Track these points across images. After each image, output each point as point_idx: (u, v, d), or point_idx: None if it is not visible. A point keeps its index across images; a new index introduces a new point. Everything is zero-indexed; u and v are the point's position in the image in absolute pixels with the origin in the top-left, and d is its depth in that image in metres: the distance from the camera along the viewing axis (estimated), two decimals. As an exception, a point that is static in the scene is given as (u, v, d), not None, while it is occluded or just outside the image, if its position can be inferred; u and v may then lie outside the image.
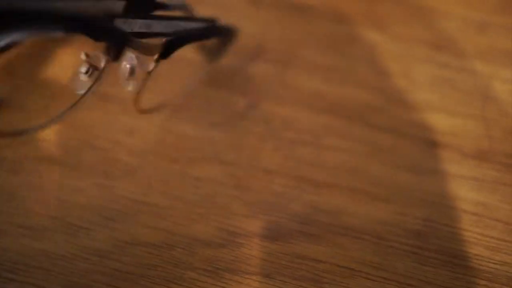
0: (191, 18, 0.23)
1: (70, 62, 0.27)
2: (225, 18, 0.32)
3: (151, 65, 0.21)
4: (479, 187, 0.25)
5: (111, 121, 0.27)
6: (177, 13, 0.23)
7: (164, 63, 0.21)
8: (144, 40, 0.19)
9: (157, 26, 0.20)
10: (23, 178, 0.24)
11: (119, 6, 0.18)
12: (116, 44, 0.18)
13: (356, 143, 0.27)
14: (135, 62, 0.20)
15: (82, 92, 0.20)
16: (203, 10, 0.26)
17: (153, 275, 0.22)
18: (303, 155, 0.26)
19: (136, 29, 0.19)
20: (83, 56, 0.19)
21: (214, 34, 0.24)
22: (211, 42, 0.24)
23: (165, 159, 0.26)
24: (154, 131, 0.27)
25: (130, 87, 0.21)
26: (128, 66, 0.20)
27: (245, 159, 0.25)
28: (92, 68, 0.19)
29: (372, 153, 0.26)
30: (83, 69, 0.19)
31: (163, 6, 0.21)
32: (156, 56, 0.20)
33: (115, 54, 0.18)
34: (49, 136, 0.26)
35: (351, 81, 0.29)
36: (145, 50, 0.20)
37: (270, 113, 0.27)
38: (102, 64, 0.19)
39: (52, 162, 0.25)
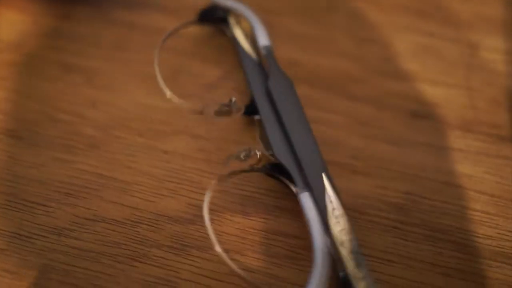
0: None
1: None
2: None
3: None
4: (463, 159, 0.24)
5: (74, 92, 0.25)
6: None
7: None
8: None
9: None
10: (-25, 153, 0.23)
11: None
12: None
13: (335, 115, 0.25)
14: None
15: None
16: None
17: (115, 253, 0.20)
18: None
19: None
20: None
21: None
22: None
23: (131, 133, 0.24)
24: (118, 103, 0.25)
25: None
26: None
27: (216, 132, 0.24)
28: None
29: (352, 125, 0.25)
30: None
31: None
32: None
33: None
34: (5, 108, 0.24)
35: (331, 51, 0.28)
36: None
37: (244, 84, 0.26)
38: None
39: (7, 136, 0.24)
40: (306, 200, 0.20)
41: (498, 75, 0.27)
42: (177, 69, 0.26)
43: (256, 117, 0.23)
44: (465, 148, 0.24)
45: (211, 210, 0.22)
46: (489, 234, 0.22)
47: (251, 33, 0.26)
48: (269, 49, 0.25)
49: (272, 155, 0.21)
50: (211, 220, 0.21)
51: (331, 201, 0.20)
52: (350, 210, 0.22)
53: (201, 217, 0.22)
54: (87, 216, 0.21)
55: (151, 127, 0.24)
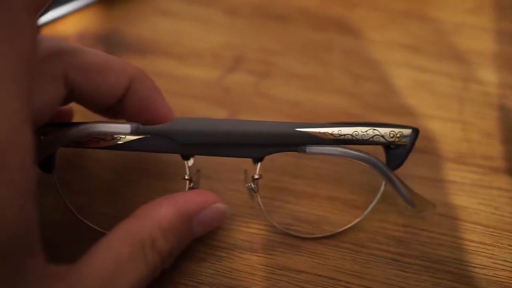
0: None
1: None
2: (202, 30, 0.33)
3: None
4: (458, 191, 0.25)
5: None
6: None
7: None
8: None
9: None
10: None
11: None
12: None
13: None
14: None
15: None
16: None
17: None
18: (284, 166, 0.26)
19: None
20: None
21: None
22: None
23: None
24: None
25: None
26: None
27: (224, 173, 0.25)
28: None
29: (351, 161, 0.26)
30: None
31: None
32: None
33: None
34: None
35: (328, 89, 0.29)
36: None
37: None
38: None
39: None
40: None
41: (491, 107, 0.28)
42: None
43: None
44: (459, 180, 0.25)
45: (222, 248, 0.23)
46: (485, 264, 0.23)
47: None
48: None
49: None
50: (220, 257, 0.23)
51: None
52: (350, 243, 0.23)
53: (211, 254, 0.23)
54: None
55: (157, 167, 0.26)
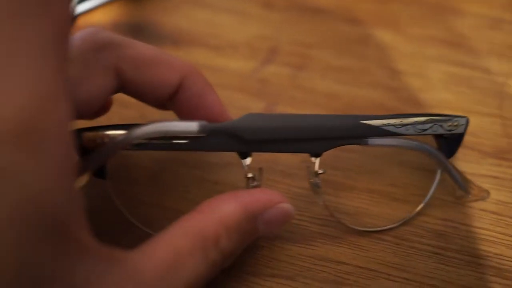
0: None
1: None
2: (238, 22, 0.33)
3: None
4: (498, 186, 0.25)
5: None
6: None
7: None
8: None
9: None
10: None
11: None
12: None
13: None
14: None
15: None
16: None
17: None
18: (321, 158, 0.26)
19: None
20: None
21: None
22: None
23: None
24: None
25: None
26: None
27: (263, 163, 0.26)
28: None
29: (390, 155, 0.26)
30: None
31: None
32: None
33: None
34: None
35: (365, 82, 0.29)
36: None
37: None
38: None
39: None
40: None
41: (530, 103, 0.28)
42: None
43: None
44: (500, 175, 0.25)
45: (262, 238, 0.23)
46: (527, 259, 0.23)
47: None
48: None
49: None
50: (262, 247, 0.23)
51: None
52: (390, 236, 0.23)
53: (252, 244, 0.23)
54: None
55: (203, 159, 0.26)
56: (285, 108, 0.28)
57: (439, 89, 0.29)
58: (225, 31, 0.32)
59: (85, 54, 0.19)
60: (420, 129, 0.22)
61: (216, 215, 0.19)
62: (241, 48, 0.31)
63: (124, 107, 0.27)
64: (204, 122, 0.20)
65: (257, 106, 0.28)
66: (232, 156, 0.26)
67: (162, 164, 0.26)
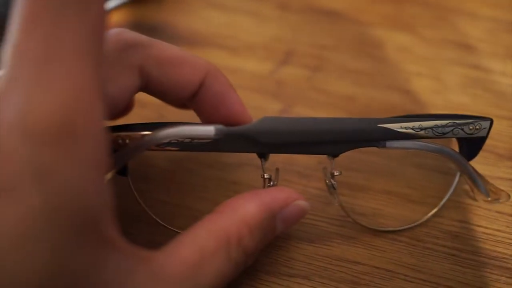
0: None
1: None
2: (254, 24, 0.33)
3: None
4: (514, 189, 0.25)
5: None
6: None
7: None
8: None
9: None
10: None
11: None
12: None
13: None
14: None
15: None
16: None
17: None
18: (337, 159, 0.26)
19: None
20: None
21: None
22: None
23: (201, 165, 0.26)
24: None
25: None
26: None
27: (280, 164, 0.26)
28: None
29: (405, 157, 0.26)
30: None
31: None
32: None
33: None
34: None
35: (382, 84, 0.30)
36: None
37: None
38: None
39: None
40: None
41: (546, 106, 0.28)
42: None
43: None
44: (516, 178, 0.25)
45: (279, 238, 0.23)
46: (544, 262, 0.23)
47: None
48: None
49: None
50: (279, 246, 0.23)
51: None
52: (406, 237, 0.24)
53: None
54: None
55: (219, 160, 0.26)
56: (301, 109, 0.28)
57: (455, 91, 0.29)
58: (241, 33, 0.32)
59: (110, 53, 0.19)
60: (440, 132, 0.22)
61: (238, 215, 0.19)
62: (257, 49, 0.31)
63: (142, 107, 0.27)
64: (220, 126, 0.21)
65: (273, 107, 0.28)
66: (248, 156, 0.26)
67: (178, 164, 0.26)
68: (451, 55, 0.31)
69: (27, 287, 0.14)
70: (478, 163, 0.26)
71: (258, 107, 0.28)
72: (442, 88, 0.29)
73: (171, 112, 0.27)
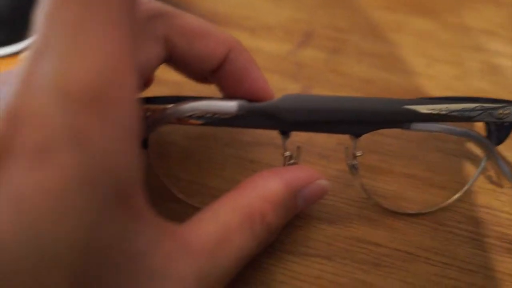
0: None
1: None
2: (272, 4, 0.32)
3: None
4: (538, 175, 0.25)
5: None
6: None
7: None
8: None
9: None
10: None
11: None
12: None
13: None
14: None
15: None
16: None
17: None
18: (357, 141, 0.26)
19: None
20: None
21: None
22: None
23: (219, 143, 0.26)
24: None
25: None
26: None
27: (299, 144, 0.25)
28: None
29: (426, 140, 0.26)
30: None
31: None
32: None
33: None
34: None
35: (401, 68, 0.29)
36: None
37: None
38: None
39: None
40: None
41: None
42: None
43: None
44: (539, 164, 0.25)
45: (299, 218, 0.23)
46: None
47: None
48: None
49: None
50: (299, 226, 0.23)
51: None
52: (428, 221, 0.23)
53: (289, 223, 0.23)
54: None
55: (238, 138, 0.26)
56: (320, 91, 0.28)
57: (476, 78, 0.29)
58: (260, 14, 0.32)
59: (136, 22, 0.19)
60: (467, 116, 0.21)
61: (261, 191, 0.19)
62: (276, 30, 0.31)
63: (159, 84, 0.27)
64: (243, 102, 0.21)
65: (292, 88, 0.28)
66: (267, 135, 0.26)
67: (195, 141, 0.26)
68: (473, 41, 0.30)
69: (64, 250, 0.13)
70: (504, 149, 0.25)
71: (276, 88, 0.27)
72: (462, 74, 0.29)
73: (188, 90, 0.26)
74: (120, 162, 0.14)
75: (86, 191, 0.14)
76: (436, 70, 0.29)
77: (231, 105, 0.20)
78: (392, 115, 0.21)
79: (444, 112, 0.21)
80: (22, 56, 0.21)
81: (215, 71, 0.21)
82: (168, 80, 0.27)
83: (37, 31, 0.14)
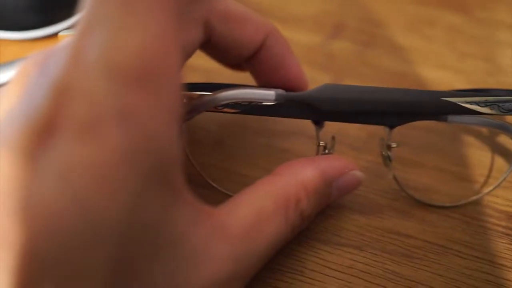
0: None
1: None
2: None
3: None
4: None
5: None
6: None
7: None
8: None
9: None
10: None
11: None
12: None
13: (441, 124, 0.26)
14: None
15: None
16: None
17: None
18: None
19: None
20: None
21: None
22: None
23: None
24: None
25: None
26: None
27: (331, 135, 0.25)
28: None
29: (458, 134, 0.26)
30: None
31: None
32: None
33: None
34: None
35: (433, 63, 0.29)
36: None
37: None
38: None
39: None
40: None
41: None
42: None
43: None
44: None
45: (331, 207, 0.23)
46: None
47: None
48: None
49: None
50: (331, 215, 0.23)
51: None
52: (459, 214, 0.23)
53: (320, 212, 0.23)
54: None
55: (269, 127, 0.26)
56: (350, 83, 0.28)
57: (507, 73, 0.29)
58: (290, 4, 0.32)
59: (179, 5, 0.19)
60: (506, 109, 0.21)
61: (296, 178, 0.19)
62: (306, 21, 0.31)
63: (190, 71, 0.27)
64: (281, 91, 0.21)
65: (323, 79, 0.28)
66: (298, 125, 0.26)
67: (227, 129, 0.26)
68: (504, 37, 0.30)
69: (108, 230, 0.13)
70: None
71: (308, 78, 0.28)
72: (494, 70, 0.29)
73: (219, 78, 0.26)
74: (164, 141, 0.14)
75: (130, 170, 0.14)
76: (468, 64, 0.29)
77: (269, 94, 0.21)
78: (429, 107, 0.21)
79: (482, 105, 0.21)
80: (63, 34, 0.21)
81: (251, 57, 0.22)
82: (199, 67, 0.27)
83: (86, 8, 0.14)
